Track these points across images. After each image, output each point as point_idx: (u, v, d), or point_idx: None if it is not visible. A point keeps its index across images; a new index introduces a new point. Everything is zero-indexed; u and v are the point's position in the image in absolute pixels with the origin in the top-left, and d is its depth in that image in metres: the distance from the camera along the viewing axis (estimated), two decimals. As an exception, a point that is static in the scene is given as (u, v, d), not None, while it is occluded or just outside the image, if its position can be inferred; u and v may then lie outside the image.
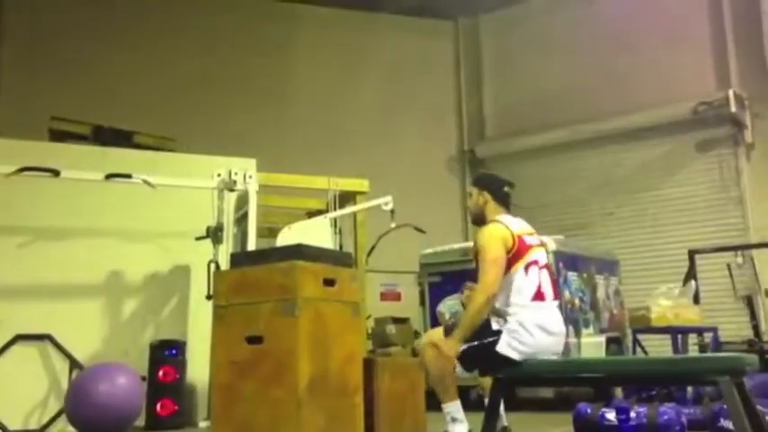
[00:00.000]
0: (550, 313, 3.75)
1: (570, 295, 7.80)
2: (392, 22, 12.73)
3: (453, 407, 3.78)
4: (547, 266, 3.87)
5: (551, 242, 7.78)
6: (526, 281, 3.70)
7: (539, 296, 3.71)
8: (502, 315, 3.69)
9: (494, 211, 3.97)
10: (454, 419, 3.77)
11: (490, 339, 3.62)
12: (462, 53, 13.35)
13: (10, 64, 9.89)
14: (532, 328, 3.62)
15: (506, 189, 4.05)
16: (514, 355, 3.57)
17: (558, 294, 3.93)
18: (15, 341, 6.16)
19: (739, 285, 9.86)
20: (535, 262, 3.77)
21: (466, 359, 3.69)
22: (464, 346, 3.65)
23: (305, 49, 11.84)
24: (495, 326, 3.67)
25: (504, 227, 3.80)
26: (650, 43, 11.30)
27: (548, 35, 12.34)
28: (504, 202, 4.02)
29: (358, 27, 12.47)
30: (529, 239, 3.84)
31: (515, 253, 3.71)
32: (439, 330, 3.93)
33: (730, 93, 10.40)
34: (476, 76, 13.20)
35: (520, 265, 3.70)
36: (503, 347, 3.58)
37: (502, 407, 4.27)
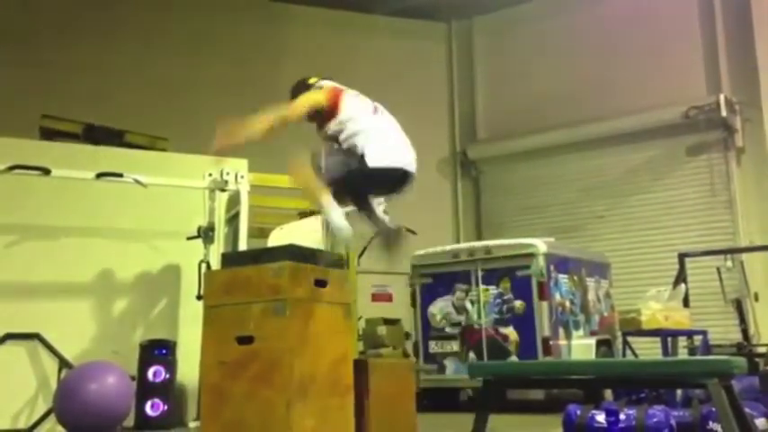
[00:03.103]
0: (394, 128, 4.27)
1: (561, 297, 7.83)
2: (384, 24, 12.73)
3: (326, 200, 4.05)
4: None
5: (542, 244, 7.81)
6: (357, 102, 4.23)
7: (375, 111, 4.27)
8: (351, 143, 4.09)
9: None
10: (331, 210, 4.06)
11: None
12: (455, 55, 13.36)
13: (1, 62, 9.84)
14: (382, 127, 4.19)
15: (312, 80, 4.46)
16: (384, 161, 4.02)
17: None
18: (4, 340, 6.12)
19: (729, 289, 9.91)
20: (357, 94, 4.32)
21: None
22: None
23: (297, 50, 11.82)
24: (354, 150, 4.06)
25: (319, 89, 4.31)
26: (641, 47, 11.35)
27: (540, 38, 12.38)
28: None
29: (350, 28, 12.46)
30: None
31: (335, 94, 4.24)
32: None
33: (721, 97, 10.47)
34: (468, 79, 13.22)
35: (347, 95, 4.24)
36: (372, 160, 3.98)
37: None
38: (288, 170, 4.36)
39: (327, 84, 4.41)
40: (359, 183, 4.15)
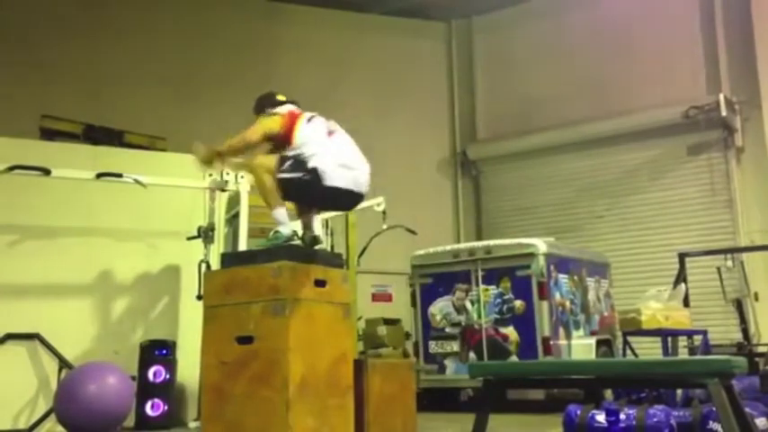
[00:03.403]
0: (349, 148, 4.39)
1: (561, 297, 7.83)
2: (384, 23, 12.73)
3: (279, 212, 4.25)
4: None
5: (542, 245, 7.81)
6: (313, 126, 4.34)
7: (330, 133, 4.35)
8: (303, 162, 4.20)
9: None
10: (281, 222, 4.26)
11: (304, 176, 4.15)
12: (455, 55, 13.35)
13: (1, 62, 9.84)
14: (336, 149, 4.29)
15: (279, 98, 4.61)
16: (337, 181, 4.14)
17: None
18: (4, 340, 6.12)
19: (729, 288, 9.91)
20: (313, 116, 4.43)
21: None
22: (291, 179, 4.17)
23: (296, 50, 11.82)
24: (309, 164, 4.16)
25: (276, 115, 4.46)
26: (642, 47, 11.35)
27: (540, 38, 12.37)
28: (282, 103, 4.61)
29: (349, 27, 12.46)
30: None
31: (289, 121, 4.37)
32: (271, 159, 4.32)
33: (721, 97, 10.46)
34: (468, 78, 13.22)
35: (301, 121, 4.35)
36: (326, 177, 4.12)
37: None
38: (250, 166, 4.50)
39: (284, 110, 4.53)
40: (310, 196, 4.30)
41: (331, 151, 4.26)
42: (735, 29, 10.87)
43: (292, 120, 4.42)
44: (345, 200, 4.40)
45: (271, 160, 4.34)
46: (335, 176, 4.16)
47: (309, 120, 4.43)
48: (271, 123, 4.44)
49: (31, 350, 6.23)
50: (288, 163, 4.21)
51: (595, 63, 11.71)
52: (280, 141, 4.37)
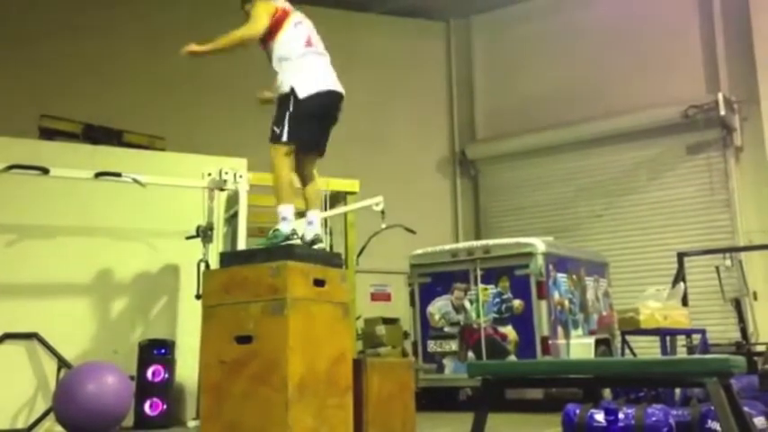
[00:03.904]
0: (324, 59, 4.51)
1: (560, 297, 7.83)
2: (382, 23, 12.72)
3: (285, 208, 4.27)
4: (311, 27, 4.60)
5: (541, 244, 7.81)
6: (296, 33, 4.45)
7: (308, 43, 4.46)
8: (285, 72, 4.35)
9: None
10: (284, 218, 4.26)
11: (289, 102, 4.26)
12: (453, 54, 13.36)
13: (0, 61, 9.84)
14: (311, 58, 4.42)
15: None
16: (313, 88, 4.27)
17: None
18: (2, 340, 6.12)
19: (727, 288, 9.92)
20: (300, 21, 4.54)
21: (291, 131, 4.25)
22: (285, 127, 4.24)
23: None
24: (285, 88, 4.29)
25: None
26: (640, 46, 11.36)
27: (539, 37, 12.38)
28: None
29: (347, 27, 12.43)
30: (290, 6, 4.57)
31: (280, 16, 4.45)
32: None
33: (720, 96, 10.48)
34: (467, 78, 13.23)
35: (288, 23, 4.45)
36: (301, 90, 4.24)
37: None
38: (271, 158, 4.39)
39: (279, 2, 4.59)
40: (299, 125, 4.28)
41: (309, 61, 4.40)
42: (733, 28, 10.88)
43: (284, 14, 4.52)
44: (332, 103, 4.47)
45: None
46: (318, 83, 4.32)
47: (296, 25, 4.52)
48: (269, 8, 4.49)
49: (29, 350, 6.23)
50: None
51: (594, 63, 11.72)
52: (267, 31, 4.46)
